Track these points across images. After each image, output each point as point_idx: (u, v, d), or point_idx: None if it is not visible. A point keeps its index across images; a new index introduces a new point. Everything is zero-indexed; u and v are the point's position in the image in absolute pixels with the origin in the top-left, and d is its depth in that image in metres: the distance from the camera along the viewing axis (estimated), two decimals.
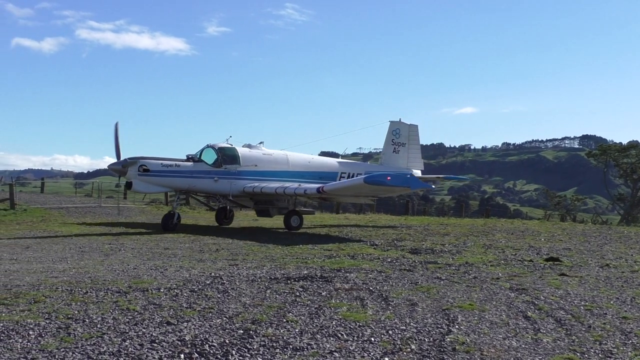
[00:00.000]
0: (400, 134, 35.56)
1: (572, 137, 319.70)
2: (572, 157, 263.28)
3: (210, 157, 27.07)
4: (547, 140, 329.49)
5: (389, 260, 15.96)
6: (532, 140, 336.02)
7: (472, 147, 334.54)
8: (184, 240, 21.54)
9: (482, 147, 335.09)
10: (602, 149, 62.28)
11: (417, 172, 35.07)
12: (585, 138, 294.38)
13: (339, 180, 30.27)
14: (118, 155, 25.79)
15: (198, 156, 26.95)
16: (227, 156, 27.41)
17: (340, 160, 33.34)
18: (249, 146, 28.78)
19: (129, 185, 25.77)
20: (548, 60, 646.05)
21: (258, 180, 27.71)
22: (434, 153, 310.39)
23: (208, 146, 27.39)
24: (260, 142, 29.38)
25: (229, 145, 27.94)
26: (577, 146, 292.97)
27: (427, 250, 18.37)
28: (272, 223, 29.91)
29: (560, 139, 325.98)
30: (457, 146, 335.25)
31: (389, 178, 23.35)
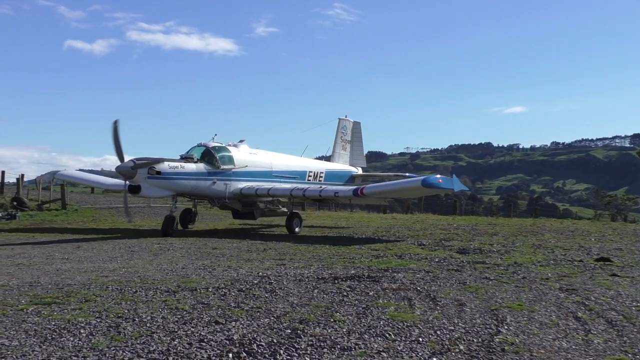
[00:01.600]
0: (346, 131, 35.20)
1: (623, 135, 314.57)
2: (623, 156, 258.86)
3: (209, 158, 25.64)
4: (597, 139, 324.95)
5: (436, 260, 15.88)
6: (582, 139, 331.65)
7: (520, 147, 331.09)
8: (231, 240, 21.66)
9: (531, 146, 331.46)
10: None
11: (359, 170, 35.14)
12: (636, 137, 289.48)
13: (308, 179, 30.11)
14: (120, 156, 23.43)
15: (198, 157, 25.37)
16: (223, 156, 26.16)
17: (304, 158, 32.23)
18: (235, 145, 27.44)
19: (135, 189, 23.51)
20: (600, 58, 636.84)
21: (251, 182, 26.78)
22: (482, 153, 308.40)
23: (201, 145, 25.97)
24: (241, 141, 28.03)
25: (222, 145, 26.70)
26: (628, 145, 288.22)
27: (475, 250, 18.24)
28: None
29: (610, 138, 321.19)
30: (505, 146, 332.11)
31: (440, 180, 23.06)
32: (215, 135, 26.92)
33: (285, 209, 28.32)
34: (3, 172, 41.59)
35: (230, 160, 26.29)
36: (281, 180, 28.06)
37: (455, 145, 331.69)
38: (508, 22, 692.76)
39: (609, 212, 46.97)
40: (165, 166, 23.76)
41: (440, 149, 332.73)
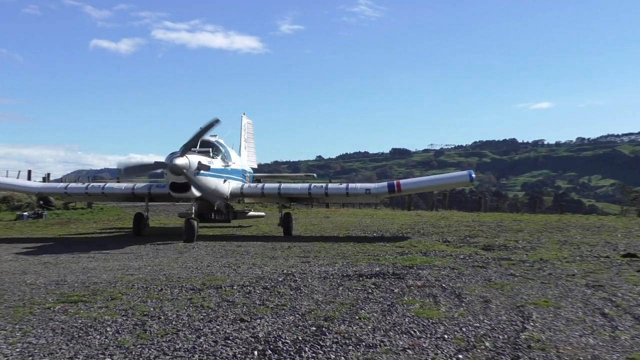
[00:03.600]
0: (246, 129, 33.81)
1: None
2: None
3: (215, 153, 23.16)
4: (623, 135, 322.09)
5: (461, 257, 15.82)
6: (608, 134, 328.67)
7: (545, 142, 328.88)
8: (255, 238, 21.69)
9: (556, 142, 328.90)
10: None
11: (250, 169, 32.22)
12: None
13: (243, 176, 27.09)
14: (185, 150, 20.63)
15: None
16: (227, 152, 24.48)
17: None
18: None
19: (183, 187, 20.97)
20: (626, 53, 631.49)
21: (238, 180, 24.98)
22: (507, 149, 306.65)
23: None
24: (214, 135, 24.43)
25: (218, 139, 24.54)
26: None
27: (501, 246, 18.16)
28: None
29: (637, 133, 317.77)
30: (530, 142, 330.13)
31: (475, 175, 22.95)
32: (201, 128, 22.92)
33: (256, 213, 27.91)
34: (29, 172, 41.99)
35: (229, 156, 24.63)
36: (239, 178, 25.71)
37: (479, 141, 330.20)
38: (536, 18, 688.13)
39: (636, 207, 46.59)
40: (217, 162, 22.46)
41: (464, 145, 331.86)
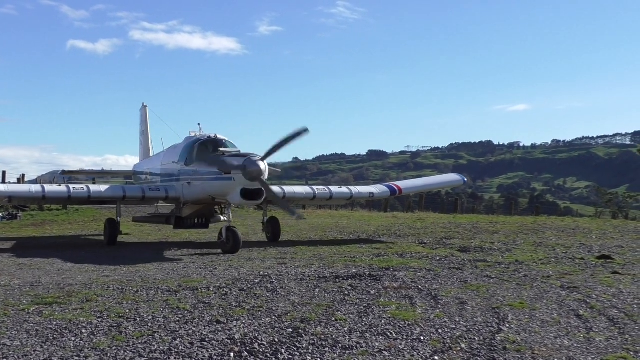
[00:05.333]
0: (142, 121, 30.63)
1: (623, 133, 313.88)
2: (624, 154, 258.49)
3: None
4: (597, 137, 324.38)
5: (437, 258, 15.88)
6: (583, 137, 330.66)
7: (521, 145, 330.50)
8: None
9: (532, 144, 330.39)
10: None
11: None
12: (637, 134, 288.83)
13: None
14: (267, 155, 18.29)
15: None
16: None
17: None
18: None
19: (257, 194, 18.31)
20: (602, 56, 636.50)
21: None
22: (483, 151, 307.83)
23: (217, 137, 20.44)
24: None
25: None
26: (629, 142, 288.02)
27: (477, 248, 18.24)
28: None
29: (611, 136, 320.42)
30: (505, 144, 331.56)
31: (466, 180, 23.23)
32: (200, 124, 22.06)
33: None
34: (4, 172, 41.60)
35: None
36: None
37: (456, 143, 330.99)
38: (515, 20, 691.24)
39: (610, 209, 46.97)
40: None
41: (440, 147, 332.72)
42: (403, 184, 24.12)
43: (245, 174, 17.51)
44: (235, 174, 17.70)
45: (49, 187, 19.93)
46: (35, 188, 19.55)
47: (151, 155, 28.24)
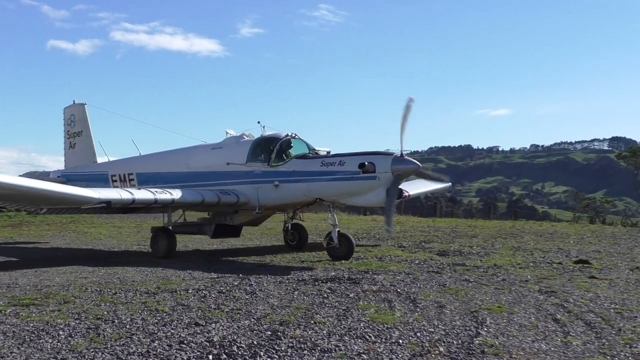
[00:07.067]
0: (75, 121, 26.35)
1: (601, 138, 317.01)
2: (602, 159, 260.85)
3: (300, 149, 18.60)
4: (576, 142, 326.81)
5: (416, 262, 15.90)
6: (561, 142, 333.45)
7: (500, 149, 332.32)
8: (212, 241, 21.53)
9: (510, 148, 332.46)
10: (632, 150, 61.40)
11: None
12: (614, 140, 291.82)
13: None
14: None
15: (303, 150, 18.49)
16: None
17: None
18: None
19: (401, 194, 18.01)
20: (581, 62, 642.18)
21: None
22: (462, 155, 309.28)
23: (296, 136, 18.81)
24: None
25: None
26: (607, 148, 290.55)
27: (455, 252, 18.30)
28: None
29: (589, 141, 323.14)
30: (485, 148, 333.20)
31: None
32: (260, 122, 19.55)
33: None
34: None
35: None
36: None
37: (435, 147, 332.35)
38: (498, 26, 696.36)
39: (588, 214, 47.17)
40: None
41: (420, 151, 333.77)
42: (409, 188, 23.64)
43: (411, 172, 16.94)
44: (381, 173, 16.18)
45: (138, 193, 17.95)
46: (125, 194, 17.57)
47: (97, 158, 25.12)
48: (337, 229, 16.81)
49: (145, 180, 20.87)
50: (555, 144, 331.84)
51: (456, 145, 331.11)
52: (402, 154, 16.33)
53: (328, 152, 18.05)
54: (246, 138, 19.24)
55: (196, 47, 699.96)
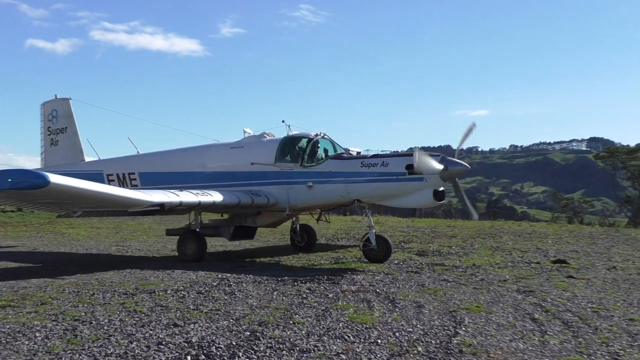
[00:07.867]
0: (57, 117, 24.85)
1: (579, 139, 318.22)
2: (580, 160, 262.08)
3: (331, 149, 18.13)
4: (554, 143, 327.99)
5: (395, 262, 15.94)
6: (540, 142, 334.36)
7: (479, 150, 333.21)
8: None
9: (490, 149, 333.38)
10: (609, 151, 61.95)
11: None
12: (593, 140, 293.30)
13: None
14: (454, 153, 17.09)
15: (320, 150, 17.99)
16: None
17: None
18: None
19: (443, 195, 16.96)
20: (560, 62, 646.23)
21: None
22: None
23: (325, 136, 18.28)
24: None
25: None
26: (585, 148, 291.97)
27: (434, 252, 18.34)
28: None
29: (568, 141, 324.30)
30: (464, 148, 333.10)
31: None
32: (282, 121, 18.97)
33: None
34: None
35: None
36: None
37: (415, 147, 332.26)
38: (479, 26, 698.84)
39: (566, 214, 47.49)
40: None
41: (399, 151, 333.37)
42: None
43: (458, 173, 16.53)
44: (429, 175, 15.86)
45: (183, 195, 16.95)
46: (173, 197, 16.55)
47: (85, 156, 23.72)
48: (373, 231, 16.52)
49: (150, 181, 19.98)
50: (534, 144, 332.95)
51: (435, 146, 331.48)
52: (453, 156, 16.17)
53: (358, 152, 18.00)
54: (268, 137, 18.65)
55: (176, 47, 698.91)
